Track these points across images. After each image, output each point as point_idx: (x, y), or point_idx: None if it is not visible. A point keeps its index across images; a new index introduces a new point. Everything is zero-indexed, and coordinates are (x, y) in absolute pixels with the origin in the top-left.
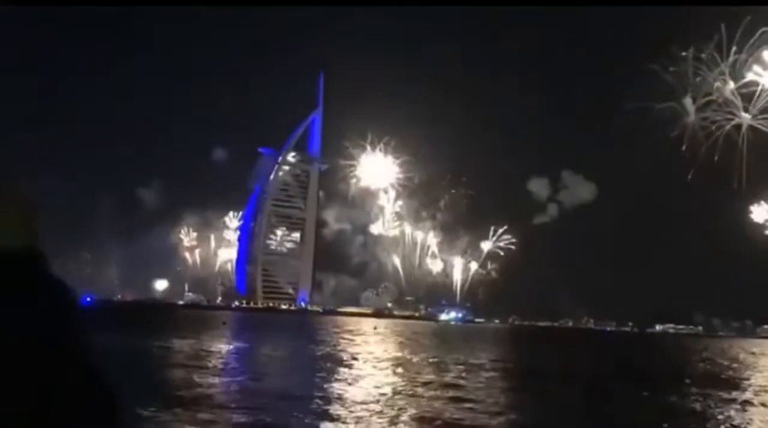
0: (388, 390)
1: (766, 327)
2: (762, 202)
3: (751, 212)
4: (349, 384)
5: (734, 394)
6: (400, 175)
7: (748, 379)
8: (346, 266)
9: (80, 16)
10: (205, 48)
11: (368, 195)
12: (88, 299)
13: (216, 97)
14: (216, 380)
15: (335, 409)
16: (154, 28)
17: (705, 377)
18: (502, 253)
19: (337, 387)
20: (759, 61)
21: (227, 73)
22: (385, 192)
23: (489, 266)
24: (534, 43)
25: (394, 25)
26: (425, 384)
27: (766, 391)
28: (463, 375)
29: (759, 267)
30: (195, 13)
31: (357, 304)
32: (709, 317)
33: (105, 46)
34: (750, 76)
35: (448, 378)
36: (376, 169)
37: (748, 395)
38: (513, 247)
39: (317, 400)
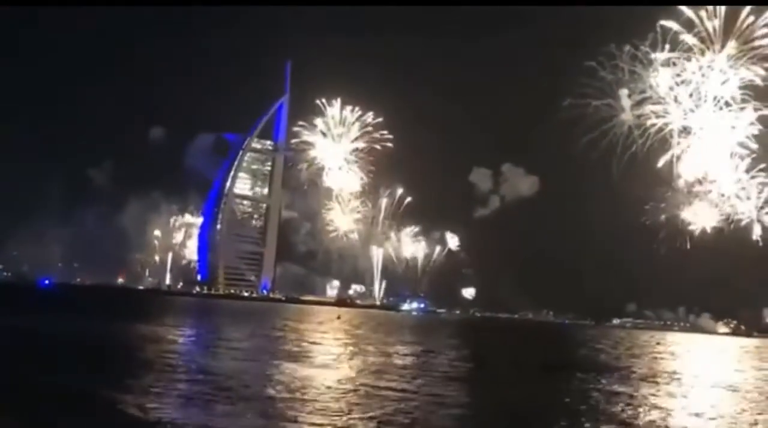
0: None
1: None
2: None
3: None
4: None
5: None
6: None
7: None
8: (297, 254)
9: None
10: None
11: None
12: (47, 282)
13: (171, 78)
14: None
15: None
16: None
17: None
18: (457, 245)
19: None
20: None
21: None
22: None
23: (442, 257)
24: (477, 36)
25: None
26: None
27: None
28: None
29: (683, 260)
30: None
31: (312, 292)
32: (641, 308)
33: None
34: (684, 75)
35: None
36: (328, 155)
37: None
38: (467, 238)
39: None
